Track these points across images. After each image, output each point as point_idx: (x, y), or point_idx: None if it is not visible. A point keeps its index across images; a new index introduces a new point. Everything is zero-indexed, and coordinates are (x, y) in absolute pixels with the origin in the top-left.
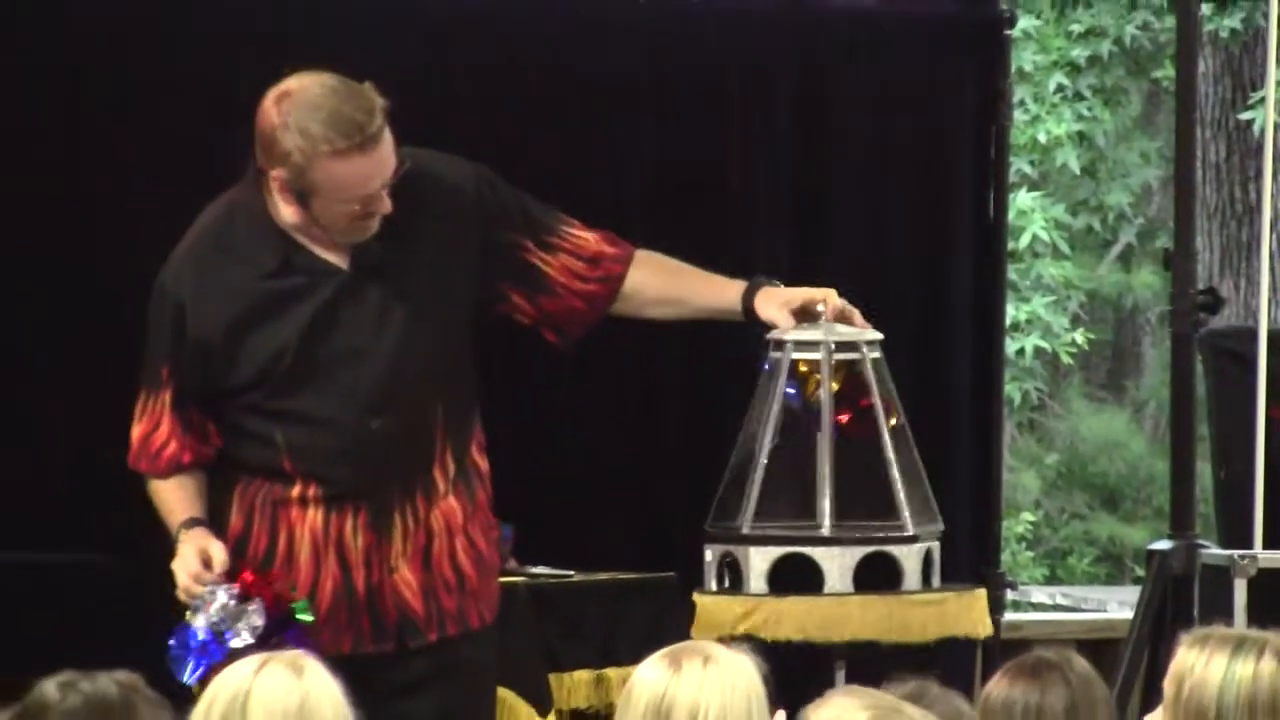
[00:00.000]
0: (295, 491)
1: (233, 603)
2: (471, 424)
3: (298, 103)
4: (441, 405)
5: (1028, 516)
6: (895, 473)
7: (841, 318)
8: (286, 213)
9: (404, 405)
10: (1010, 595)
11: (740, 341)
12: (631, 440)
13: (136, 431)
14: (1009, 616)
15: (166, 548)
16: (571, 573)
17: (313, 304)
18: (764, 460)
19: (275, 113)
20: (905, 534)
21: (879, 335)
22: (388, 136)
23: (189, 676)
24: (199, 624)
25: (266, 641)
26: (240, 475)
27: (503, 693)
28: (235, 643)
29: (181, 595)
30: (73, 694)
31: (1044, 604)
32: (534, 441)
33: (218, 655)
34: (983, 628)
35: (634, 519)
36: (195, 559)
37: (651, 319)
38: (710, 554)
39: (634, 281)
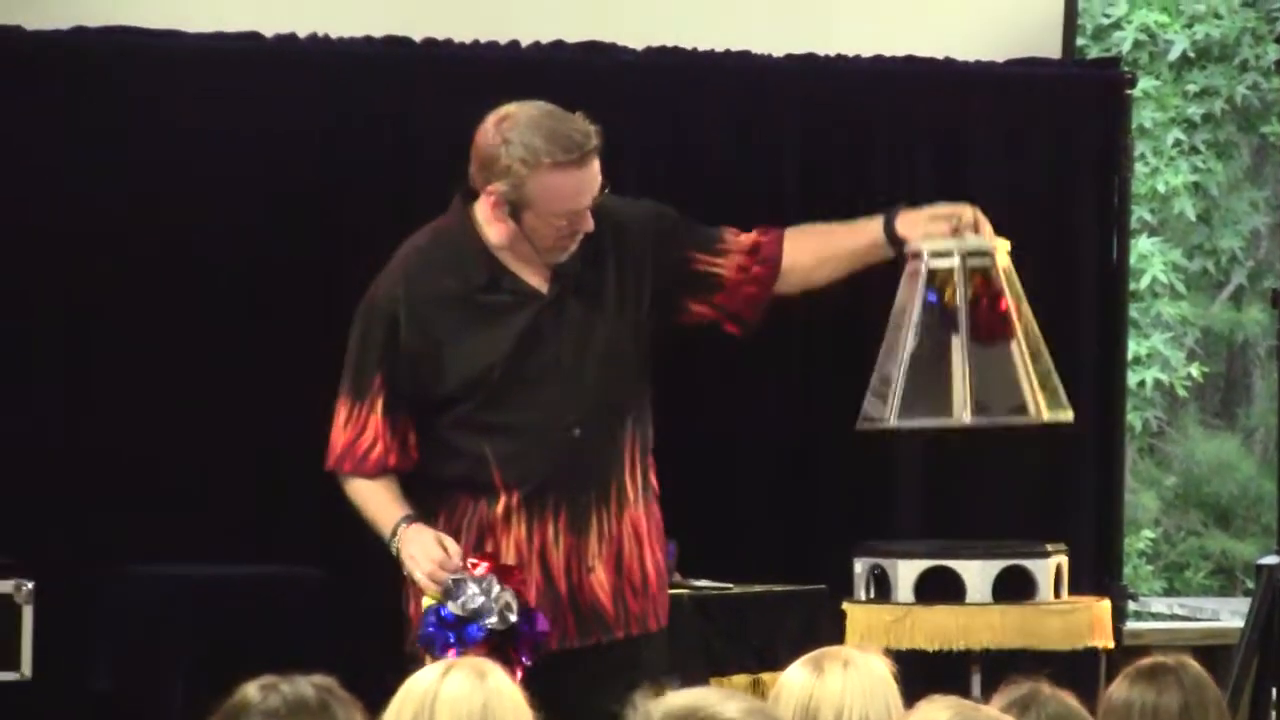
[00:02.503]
0: (500, 507)
1: (486, 587)
2: (650, 440)
3: (519, 122)
4: (631, 419)
5: (1148, 533)
6: (1020, 369)
7: (975, 229)
8: (495, 232)
9: (602, 417)
10: (1131, 606)
11: None
12: (784, 464)
13: (342, 438)
14: (1130, 625)
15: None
16: (730, 585)
17: (519, 322)
18: (906, 361)
19: (495, 132)
20: (1039, 550)
21: (1008, 243)
22: (597, 158)
23: (449, 656)
24: (453, 608)
25: (515, 626)
26: (444, 501)
27: None
28: (492, 623)
29: (425, 579)
30: (273, 695)
31: (1163, 614)
32: (695, 466)
33: (477, 636)
34: (1106, 636)
35: (787, 537)
36: (437, 547)
37: (816, 285)
38: (860, 566)
39: (790, 254)
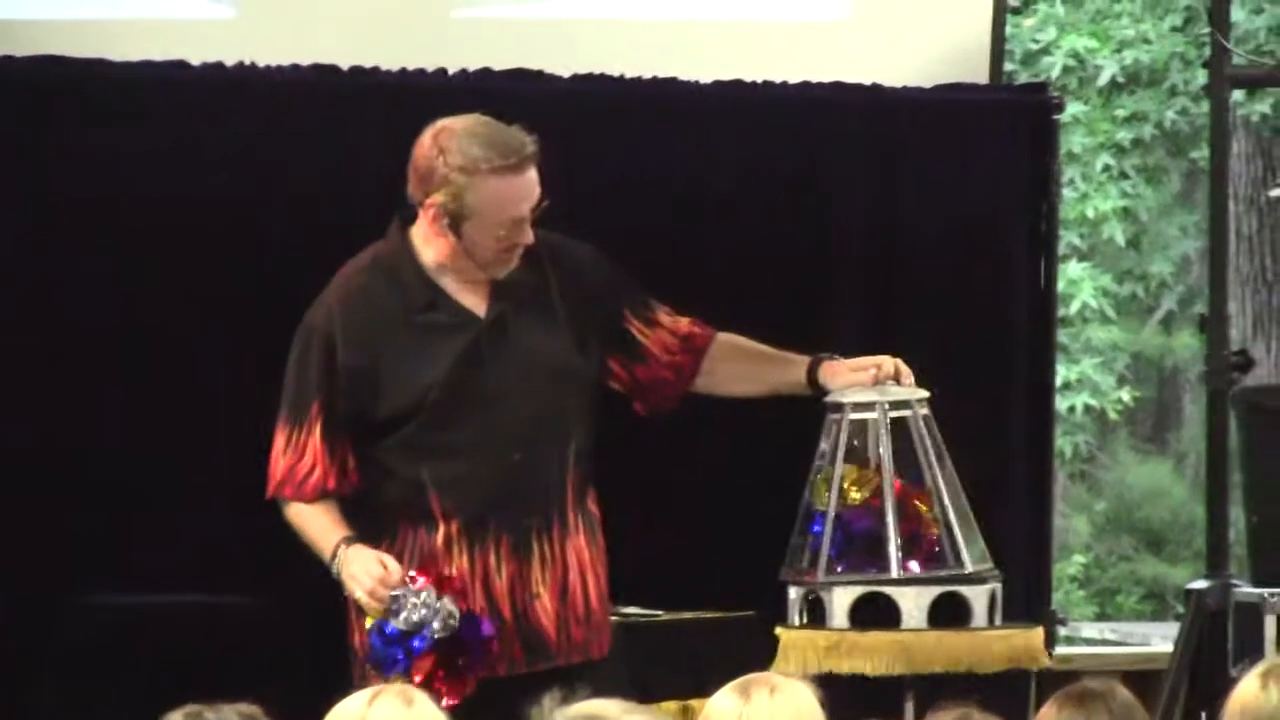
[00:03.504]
0: (440, 536)
1: (427, 599)
2: (592, 468)
3: (456, 132)
4: (574, 445)
5: (1079, 558)
6: (953, 521)
7: (895, 379)
8: (435, 249)
9: (544, 442)
10: (1062, 631)
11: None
12: (716, 489)
13: (282, 464)
14: (1060, 650)
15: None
16: (659, 612)
17: (457, 344)
18: (834, 516)
19: (433, 144)
20: (970, 572)
21: (927, 393)
22: (534, 166)
23: (398, 671)
24: (396, 624)
25: (458, 634)
26: (385, 530)
27: None
28: (435, 630)
29: (367, 598)
30: None
31: (1094, 638)
32: (624, 492)
33: (421, 646)
34: (1043, 659)
35: (718, 564)
36: (377, 565)
37: (730, 395)
38: (794, 592)
39: (715, 357)
